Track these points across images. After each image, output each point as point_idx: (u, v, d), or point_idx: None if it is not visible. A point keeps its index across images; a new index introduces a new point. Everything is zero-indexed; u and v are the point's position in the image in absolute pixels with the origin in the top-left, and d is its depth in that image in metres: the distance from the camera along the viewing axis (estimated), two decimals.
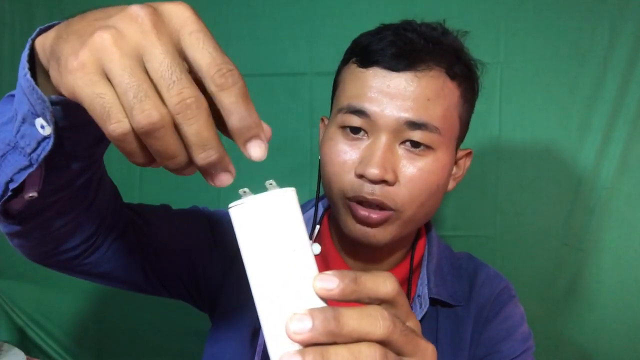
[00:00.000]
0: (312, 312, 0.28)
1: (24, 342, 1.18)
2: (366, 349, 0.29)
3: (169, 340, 1.13)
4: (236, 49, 1.10)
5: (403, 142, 0.56)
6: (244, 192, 0.34)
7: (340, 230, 0.63)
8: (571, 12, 0.95)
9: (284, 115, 1.07)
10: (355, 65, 0.59)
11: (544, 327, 0.96)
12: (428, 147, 0.56)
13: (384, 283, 0.31)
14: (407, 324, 0.32)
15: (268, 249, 0.31)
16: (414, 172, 0.56)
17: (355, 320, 0.29)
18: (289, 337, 0.28)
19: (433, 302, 0.63)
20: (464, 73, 0.60)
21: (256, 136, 0.31)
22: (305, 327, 0.28)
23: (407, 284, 0.65)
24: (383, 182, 0.55)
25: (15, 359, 1.10)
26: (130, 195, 1.14)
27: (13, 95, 0.40)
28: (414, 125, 0.55)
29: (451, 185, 0.65)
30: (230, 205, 0.33)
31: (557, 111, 0.96)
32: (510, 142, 0.98)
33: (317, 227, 0.69)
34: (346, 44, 0.65)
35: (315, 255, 0.67)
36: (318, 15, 1.05)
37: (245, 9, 1.10)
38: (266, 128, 0.32)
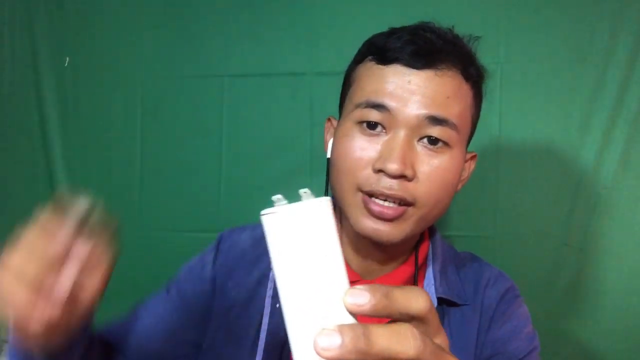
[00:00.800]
0: (341, 328, 0.28)
1: None
2: None
3: None
4: (236, 49, 1.10)
5: (421, 139, 0.57)
6: (278, 199, 0.33)
7: (345, 230, 0.63)
8: (571, 12, 0.95)
9: (284, 115, 1.07)
10: (374, 62, 0.59)
11: (544, 327, 0.96)
12: (445, 144, 0.57)
13: (416, 299, 0.30)
14: (436, 340, 0.31)
15: (300, 259, 0.30)
16: (432, 168, 0.56)
17: (386, 339, 0.28)
18: (317, 352, 0.28)
19: (440, 301, 0.63)
20: (476, 76, 0.61)
21: None
22: (334, 343, 0.27)
23: (413, 284, 0.64)
24: (402, 177, 0.55)
25: None
26: (131, 197, 1.14)
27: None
28: (434, 120, 0.56)
29: (458, 187, 0.65)
30: (262, 212, 0.32)
31: (557, 111, 0.96)
32: (510, 142, 0.98)
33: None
34: (346, 44, 0.65)
35: None
36: (318, 15, 1.05)
37: (245, 9, 1.10)
38: None
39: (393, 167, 0.54)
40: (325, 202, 0.32)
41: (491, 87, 0.98)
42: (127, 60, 1.15)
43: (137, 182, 1.14)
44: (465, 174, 0.66)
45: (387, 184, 0.55)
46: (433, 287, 0.63)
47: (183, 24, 1.13)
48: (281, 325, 0.49)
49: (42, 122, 1.19)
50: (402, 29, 0.61)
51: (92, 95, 1.17)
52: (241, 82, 1.10)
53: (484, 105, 0.98)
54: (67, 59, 1.18)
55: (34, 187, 1.20)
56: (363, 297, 0.29)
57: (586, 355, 0.94)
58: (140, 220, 1.14)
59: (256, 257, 0.68)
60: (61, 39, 1.18)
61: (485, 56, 0.98)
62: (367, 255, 0.65)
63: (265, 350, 0.62)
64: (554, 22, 0.96)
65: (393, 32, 0.60)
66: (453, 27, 0.63)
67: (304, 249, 0.30)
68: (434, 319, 0.32)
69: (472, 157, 0.67)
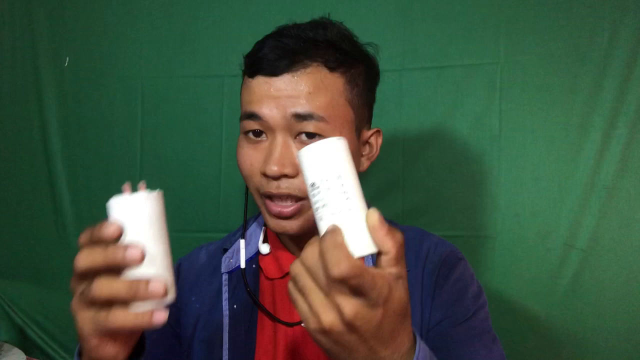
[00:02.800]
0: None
1: (24, 342, 1.18)
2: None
3: None
4: (236, 49, 1.10)
5: (298, 135, 0.62)
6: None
7: None
8: (571, 12, 0.95)
9: None
10: (246, 76, 0.67)
11: (544, 327, 0.96)
12: (320, 136, 0.62)
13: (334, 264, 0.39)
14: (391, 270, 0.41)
15: (329, 173, 0.43)
16: None
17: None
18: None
19: None
20: (345, 61, 0.65)
21: None
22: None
23: None
24: (284, 176, 0.61)
25: (15, 359, 1.10)
26: None
27: None
28: (300, 117, 0.61)
29: (365, 164, 0.71)
30: (301, 150, 0.44)
31: (557, 111, 0.96)
32: (510, 142, 0.98)
33: (263, 228, 0.75)
34: None
35: (266, 255, 0.74)
36: (318, 15, 1.05)
37: (245, 9, 1.10)
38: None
39: (272, 169, 0.60)
40: (343, 140, 0.45)
41: (491, 87, 0.99)
42: (127, 60, 1.15)
43: (137, 182, 1.14)
44: (374, 151, 0.71)
45: (274, 185, 0.62)
46: (370, 260, 0.66)
47: (183, 24, 1.13)
48: (242, 325, 0.66)
49: (42, 122, 1.19)
50: (267, 37, 0.66)
51: (92, 95, 1.17)
52: (241, 82, 1.10)
53: (484, 105, 0.99)
54: (67, 59, 1.18)
55: (34, 187, 1.20)
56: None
57: (586, 355, 0.94)
58: None
59: (213, 269, 0.75)
60: (61, 39, 1.18)
61: (485, 56, 0.99)
62: (298, 243, 0.71)
63: (229, 350, 0.67)
64: (554, 22, 0.96)
65: (260, 43, 0.66)
66: (329, 14, 0.70)
67: (331, 166, 0.43)
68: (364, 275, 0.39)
69: (375, 132, 0.71)
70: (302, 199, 0.63)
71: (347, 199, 0.42)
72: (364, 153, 0.71)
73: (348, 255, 0.39)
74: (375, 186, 1.03)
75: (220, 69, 1.11)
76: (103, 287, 0.42)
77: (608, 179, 0.93)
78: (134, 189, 0.47)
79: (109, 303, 0.43)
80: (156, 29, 1.14)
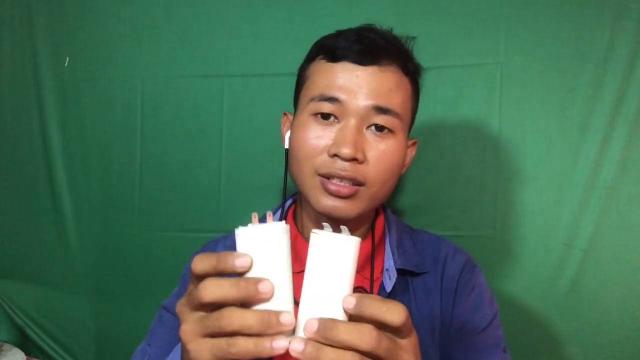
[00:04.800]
0: (320, 319, 0.42)
1: (24, 342, 1.18)
2: (349, 356, 0.40)
3: None
4: (236, 49, 1.10)
5: (369, 127, 0.64)
6: (325, 225, 0.47)
7: (307, 214, 0.71)
8: (571, 12, 0.95)
9: None
10: (324, 60, 0.66)
11: (544, 327, 0.96)
12: (390, 131, 0.64)
13: (391, 313, 0.41)
14: (402, 340, 0.43)
15: (326, 271, 0.44)
16: (379, 152, 0.64)
17: (346, 332, 0.40)
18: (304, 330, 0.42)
19: (402, 272, 0.70)
20: (414, 71, 0.70)
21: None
22: (312, 328, 0.41)
23: (371, 260, 0.71)
24: (354, 160, 0.62)
25: (15, 359, 1.10)
26: (130, 197, 1.15)
27: None
28: (380, 110, 0.63)
29: (402, 171, 0.72)
30: (313, 231, 0.45)
31: (557, 111, 0.96)
32: (510, 142, 0.98)
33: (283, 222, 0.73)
34: None
35: None
36: (318, 15, 1.05)
37: (246, 9, 1.10)
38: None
39: (346, 151, 0.61)
40: (355, 240, 0.44)
41: (491, 87, 0.99)
42: (127, 60, 1.15)
43: (137, 182, 1.14)
44: (408, 159, 0.74)
45: (341, 166, 0.62)
46: (392, 260, 0.70)
47: (183, 24, 1.13)
48: None
49: (42, 122, 1.19)
50: (348, 30, 0.68)
51: (92, 95, 1.17)
52: (241, 82, 1.10)
53: (484, 105, 0.99)
54: (67, 59, 1.18)
55: (34, 187, 1.20)
56: (349, 303, 0.42)
57: (586, 354, 0.94)
58: (140, 220, 1.14)
59: None
60: (61, 39, 1.18)
61: (485, 56, 0.99)
62: None
63: None
64: (554, 22, 0.96)
65: (340, 34, 0.68)
66: (392, 29, 0.70)
67: (329, 265, 0.44)
68: (407, 327, 0.42)
69: (413, 144, 0.75)
70: (362, 184, 0.63)
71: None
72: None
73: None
74: None
75: (220, 69, 1.11)
76: (234, 319, 0.41)
77: (608, 179, 0.93)
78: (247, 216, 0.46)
79: (233, 333, 0.42)
80: (156, 29, 1.14)
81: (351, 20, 0.73)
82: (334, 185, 0.63)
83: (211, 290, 0.42)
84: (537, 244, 0.97)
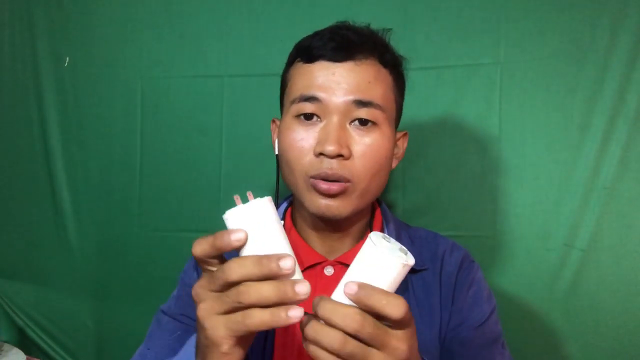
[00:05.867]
0: (318, 297, 0.44)
1: (24, 342, 1.18)
2: (333, 334, 0.42)
3: None
4: (236, 49, 1.10)
5: (352, 122, 0.64)
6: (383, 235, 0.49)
7: (303, 217, 0.71)
8: (571, 12, 0.95)
9: None
10: (302, 62, 0.67)
11: (544, 327, 0.96)
12: (374, 124, 0.64)
13: (390, 306, 0.42)
14: (397, 330, 0.43)
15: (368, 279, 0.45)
16: (365, 146, 0.64)
17: (330, 311, 0.42)
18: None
19: None
20: (393, 62, 0.69)
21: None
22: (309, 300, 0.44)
23: None
24: (339, 156, 0.62)
25: (15, 359, 1.10)
26: (130, 197, 1.15)
27: None
28: (360, 103, 0.63)
29: (394, 163, 0.73)
30: (374, 234, 0.47)
31: (557, 111, 0.96)
32: (510, 142, 0.98)
33: (282, 222, 0.74)
34: None
35: None
36: (318, 15, 1.05)
37: (246, 9, 1.10)
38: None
39: (330, 148, 0.61)
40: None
41: (491, 87, 0.99)
42: (127, 60, 1.15)
43: (137, 182, 1.15)
44: (400, 152, 0.75)
45: (328, 165, 0.63)
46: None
47: (183, 24, 1.13)
48: None
49: (42, 122, 1.19)
50: (323, 30, 0.69)
51: (92, 95, 1.17)
52: (241, 82, 1.10)
53: (484, 105, 0.99)
54: (67, 59, 1.18)
55: (34, 187, 1.20)
56: (350, 289, 0.43)
57: (586, 355, 0.94)
58: (140, 220, 1.14)
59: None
60: (61, 39, 1.18)
61: (485, 56, 0.99)
62: (326, 236, 0.72)
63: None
64: (554, 22, 0.96)
65: (316, 34, 0.68)
66: (369, 24, 0.71)
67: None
68: (406, 320, 0.43)
69: (404, 135, 0.75)
70: (349, 180, 0.64)
71: None
72: (394, 151, 0.73)
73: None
74: None
75: (220, 69, 1.11)
76: (252, 292, 0.42)
77: (608, 179, 0.93)
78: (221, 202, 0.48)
79: (250, 307, 0.43)
80: (156, 29, 1.14)
81: (351, 21, 0.73)
82: (324, 184, 0.63)
83: (235, 269, 0.43)
84: (537, 244, 0.97)
